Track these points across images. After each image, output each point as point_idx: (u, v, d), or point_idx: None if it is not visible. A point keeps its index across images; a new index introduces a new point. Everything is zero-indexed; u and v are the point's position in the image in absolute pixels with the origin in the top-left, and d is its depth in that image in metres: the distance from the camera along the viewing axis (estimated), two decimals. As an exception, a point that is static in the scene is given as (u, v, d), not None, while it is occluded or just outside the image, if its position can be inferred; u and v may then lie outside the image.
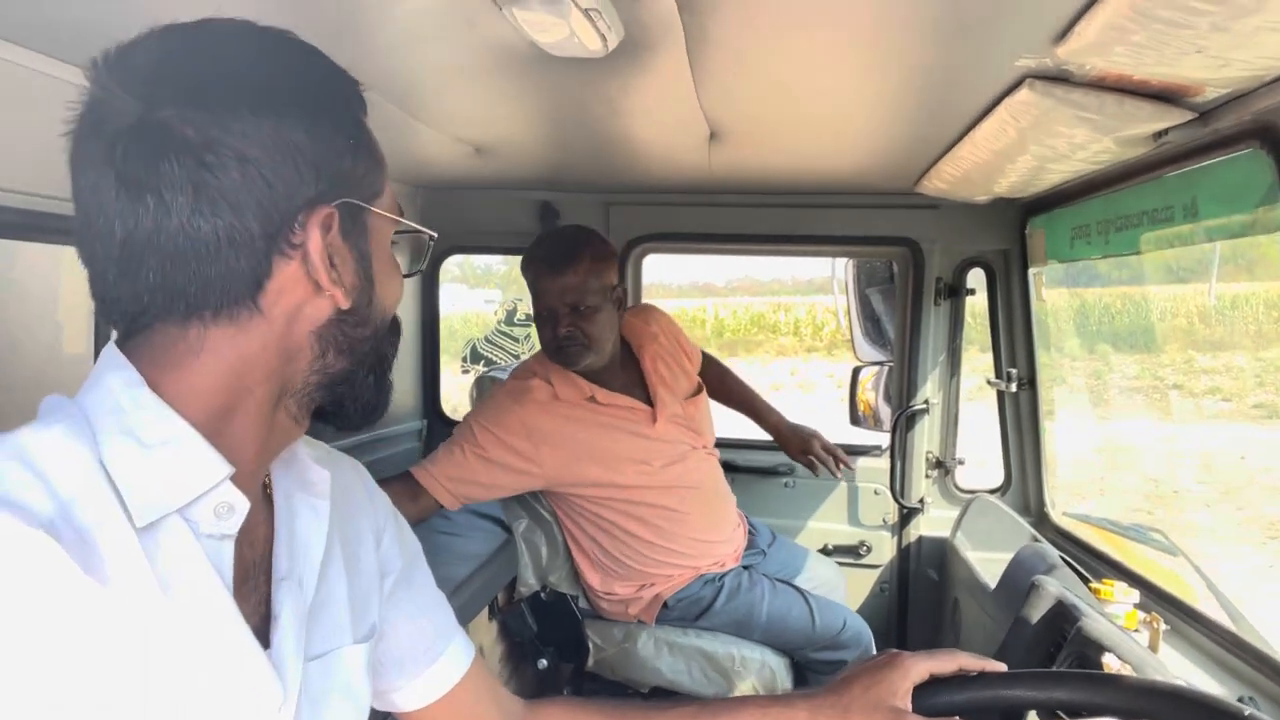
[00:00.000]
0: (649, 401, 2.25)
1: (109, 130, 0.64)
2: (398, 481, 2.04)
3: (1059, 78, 1.29)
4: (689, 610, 2.25)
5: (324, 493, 0.79)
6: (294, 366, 0.71)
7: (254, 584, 0.73)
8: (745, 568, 2.34)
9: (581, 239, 2.18)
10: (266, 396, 0.70)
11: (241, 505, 0.67)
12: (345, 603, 0.81)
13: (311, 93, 0.69)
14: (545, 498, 2.31)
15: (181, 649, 0.63)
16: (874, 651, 2.25)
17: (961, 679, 0.97)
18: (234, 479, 0.67)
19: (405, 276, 0.81)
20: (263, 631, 0.72)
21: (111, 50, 0.66)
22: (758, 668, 2.24)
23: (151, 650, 0.61)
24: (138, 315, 0.67)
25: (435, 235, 0.84)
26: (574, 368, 2.16)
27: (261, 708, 0.69)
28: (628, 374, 2.28)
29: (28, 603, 0.55)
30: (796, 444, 2.54)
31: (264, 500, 0.77)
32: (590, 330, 2.12)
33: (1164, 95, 1.31)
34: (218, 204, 0.64)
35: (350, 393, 0.75)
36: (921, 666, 0.97)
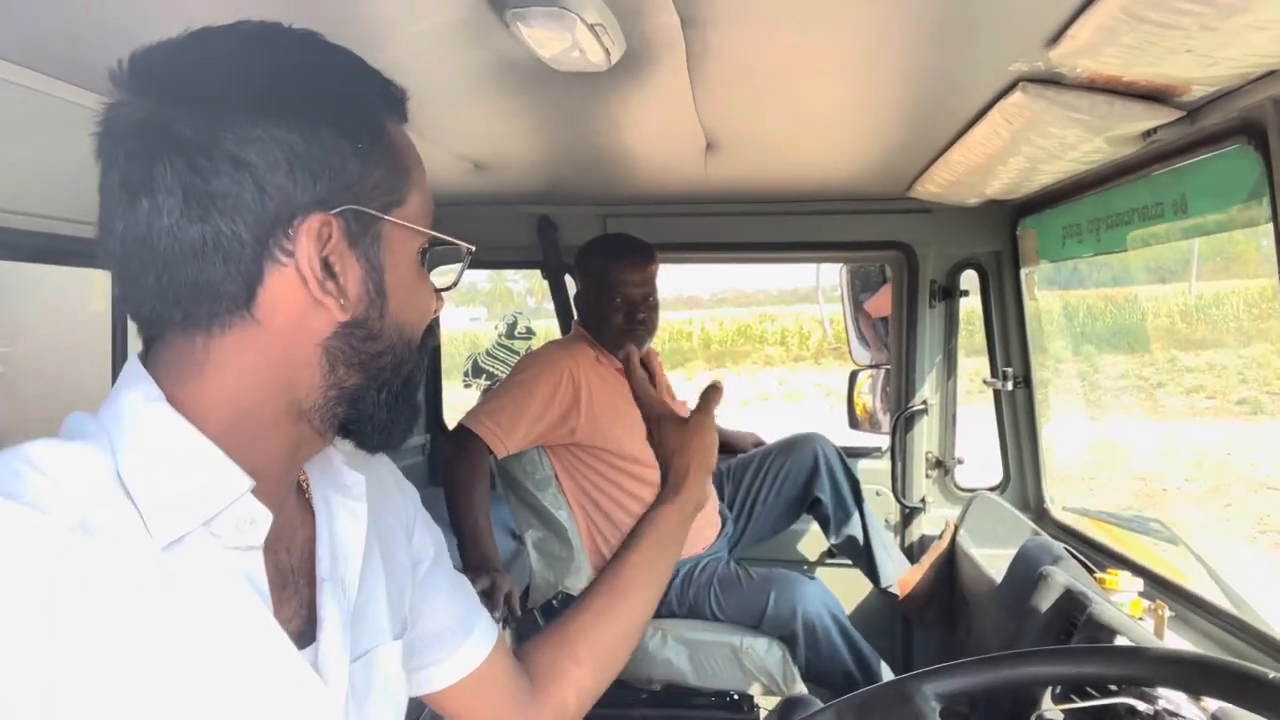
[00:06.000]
0: None
1: (116, 131, 0.65)
2: (451, 437, 2.22)
3: (1051, 80, 1.33)
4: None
5: (360, 495, 0.78)
6: (304, 380, 0.68)
7: (294, 588, 0.73)
8: (711, 558, 2.45)
9: (647, 244, 2.45)
10: (282, 410, 0.68)
11: (264, 518, 0.66)
12: (384, 601, 0.81)
13: (315, 95, 0.66)
14: (566, 466, 2.40)
15: (217, 662, 0.63)
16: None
17: (969, 663, 0.97)
18: (259, 490, 0.66)
19: (442, 291, 0.78)
20: (306, 634, 0.72)
21: (137, 52, 0.66)
22: (764, 650, 2.26)
23: (176, 661, 0.60)
24: (146, 322, 0.68)
25: (473, 248, 0.81)
26: (641, 348, 2.38)
27: (311, 713, 0.69)
28: None
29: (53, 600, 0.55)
30: (749, 441, 2.96)
31: (302, 503, 0.77)
32: (654, 319, 2.44)
33: (1153, 95, 1.35)
34: (207, 208, 0.63)
35: (366, 411, 0.72)
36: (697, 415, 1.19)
